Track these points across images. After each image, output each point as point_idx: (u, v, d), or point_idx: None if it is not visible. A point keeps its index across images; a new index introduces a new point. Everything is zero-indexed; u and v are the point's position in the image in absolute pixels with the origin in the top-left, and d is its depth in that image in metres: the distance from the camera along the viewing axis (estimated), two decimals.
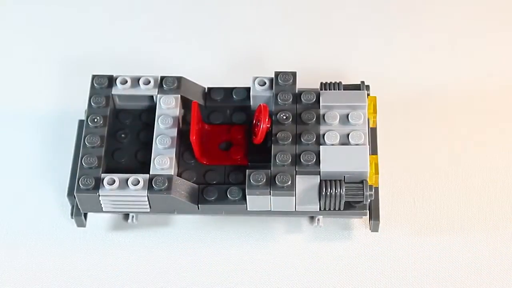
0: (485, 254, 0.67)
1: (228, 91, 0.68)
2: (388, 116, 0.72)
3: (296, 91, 0.66)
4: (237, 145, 0.67)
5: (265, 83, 0.67)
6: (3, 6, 0.79)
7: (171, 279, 0.66)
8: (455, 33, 0.77)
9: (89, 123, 0.65)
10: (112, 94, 0.67)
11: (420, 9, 0.79)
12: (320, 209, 0.64)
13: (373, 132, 0.68)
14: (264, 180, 0.63)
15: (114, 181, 0.63)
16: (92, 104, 0.66)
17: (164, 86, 0.67)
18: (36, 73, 0.76)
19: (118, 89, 0.67)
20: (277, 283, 0.66)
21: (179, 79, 0.67)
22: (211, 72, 0.75)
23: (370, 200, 0.65)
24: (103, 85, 0.67)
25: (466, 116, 0.73)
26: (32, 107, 0.74)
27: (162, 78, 0.67)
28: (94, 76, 0.67)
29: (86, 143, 0.65)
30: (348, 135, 0.64)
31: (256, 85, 0.67)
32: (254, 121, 0.66)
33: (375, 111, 0.67)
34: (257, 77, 0.67)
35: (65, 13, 0.79)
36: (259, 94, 0.67)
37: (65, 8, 0.79)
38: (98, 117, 0.66)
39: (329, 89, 0.67)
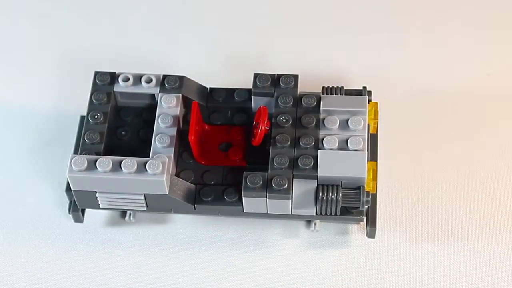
0: (487, 261, 0.67)
1: (230, 92, 0.68)
2: (390, 122, 0.72)
3: (298, 94, 0.66)
4: (236, 146, 0.67)
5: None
6: (4, 3, 0.79)
7: (167, 278, 0.66)
8: (458, 36, 0.77)
9: (90, 120, 0.65)
10: (114, 91, 0.67)
11: (429, 13, 0.78)
12: (316, 213, 0.64)
13: (373, 138, 0.67)
14: (261, 182, 0.63)
15: None
16: (94, 100, 0.66)
17: (166, 85, 0.67)
18: (37, 70, 0.76)
19: (120, 86, 0.67)
20: (273, 286, 0.66)
21: (181, 78, 0.67)
22: (212, 72, 0.75)
23: (367, 206, 0.65)
24: (105, 81, 0.67)
25: (467, 122, 0.72)
26: (33, 103, 0.74)
27: (165, 76, 0.67)
28: (96, 73, 0.67)
29: (86, 140, 0.65)
30: (347, 140, 0.64)
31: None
32: (253, 123, 0.66)
33: (376, 117, 0.67)
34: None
35: (67, 11, 0.79)
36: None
37: (67, 6, 0.79)
38: (98, 114, 0.66)
39: (331, 94, 0.67)
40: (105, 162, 0.62)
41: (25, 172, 0.71)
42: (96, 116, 0.65)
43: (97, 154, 0.64)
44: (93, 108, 0.66)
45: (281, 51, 0.76)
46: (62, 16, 0.79)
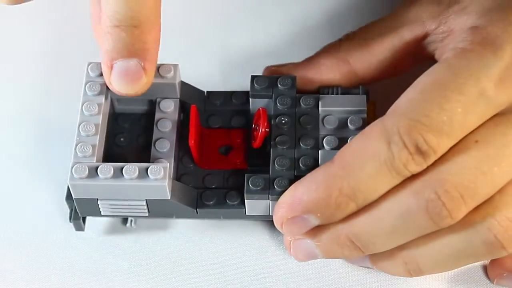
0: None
1: (227, 95, 0.69)
2: None
3: (295, 95, 0.67)
4: (236, 149, 0.67)
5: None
6: (3, 5, 0.79)
7: (170, 283, 0.66)
8: None
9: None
10: (111, 98, 0.67)
11: None
12: None
13: None
14: (263, 184, 0.63)
15: None
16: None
17: None
18: (37, 74, 0.76)
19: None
20: (274, 286, 0.66)
21: (178, 82, 0.67)
22: (209, 75, 0.75)
23: None
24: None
25: None
26: (35, 107, 0.74)
27: None
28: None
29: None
30: (347, 139, 0.64)
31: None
32: (253, 125, 0.66)
33: (374, 116, 0.67)
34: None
35: (67, 11, 0.79)
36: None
37: (66, 6, 0.79)
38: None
39: (329, 94, 0.67)
40: (106, 168, 0.62)
41: (25, 178, 0.71)
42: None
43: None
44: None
45: (278, 52, 0.76)
46: (62, 16, 0.78)
